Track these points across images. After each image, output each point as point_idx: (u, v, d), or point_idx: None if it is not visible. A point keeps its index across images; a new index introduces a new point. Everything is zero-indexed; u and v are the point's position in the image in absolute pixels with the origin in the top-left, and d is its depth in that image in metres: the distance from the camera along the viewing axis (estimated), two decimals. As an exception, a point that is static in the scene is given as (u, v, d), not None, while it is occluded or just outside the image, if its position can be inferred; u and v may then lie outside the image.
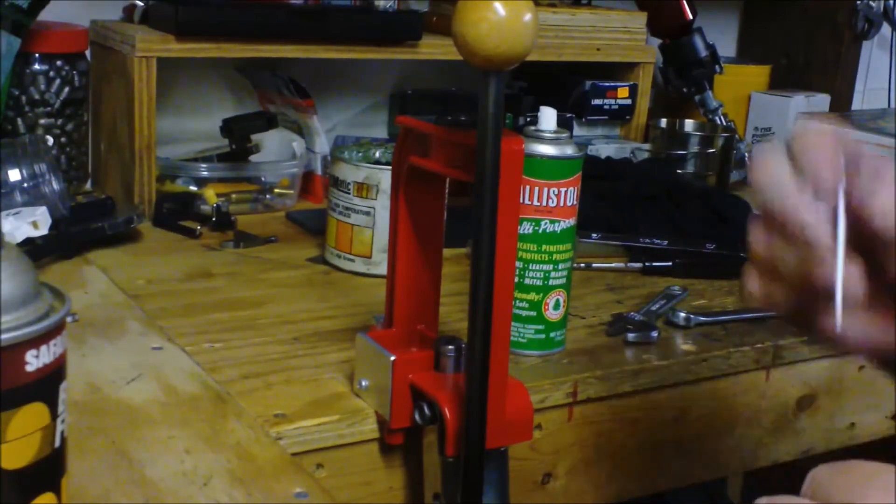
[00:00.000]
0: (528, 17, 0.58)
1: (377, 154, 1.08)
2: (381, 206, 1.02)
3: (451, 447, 0.69)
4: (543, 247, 0.85)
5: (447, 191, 0.74)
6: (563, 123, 1.45)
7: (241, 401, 0.75)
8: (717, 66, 1.54)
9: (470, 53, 0.59)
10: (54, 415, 0.49)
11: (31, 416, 0.47)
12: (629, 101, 1.51)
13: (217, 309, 0.94)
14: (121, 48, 1.18)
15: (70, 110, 1.20)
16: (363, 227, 1.04)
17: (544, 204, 0.84)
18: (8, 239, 0.69)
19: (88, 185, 1.28)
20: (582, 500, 0.88)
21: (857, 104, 1.75)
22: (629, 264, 1.13)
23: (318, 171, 1.31)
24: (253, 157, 1.26)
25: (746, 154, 1.54)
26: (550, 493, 0.86)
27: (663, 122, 1.52)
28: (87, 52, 1.23)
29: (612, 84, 1.50)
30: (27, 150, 1.06)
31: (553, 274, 0.86)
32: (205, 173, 1.23)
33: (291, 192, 1.27)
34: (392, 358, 0.72)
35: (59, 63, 1.19)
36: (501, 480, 0.72)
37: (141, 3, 1.22)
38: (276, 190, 1.27)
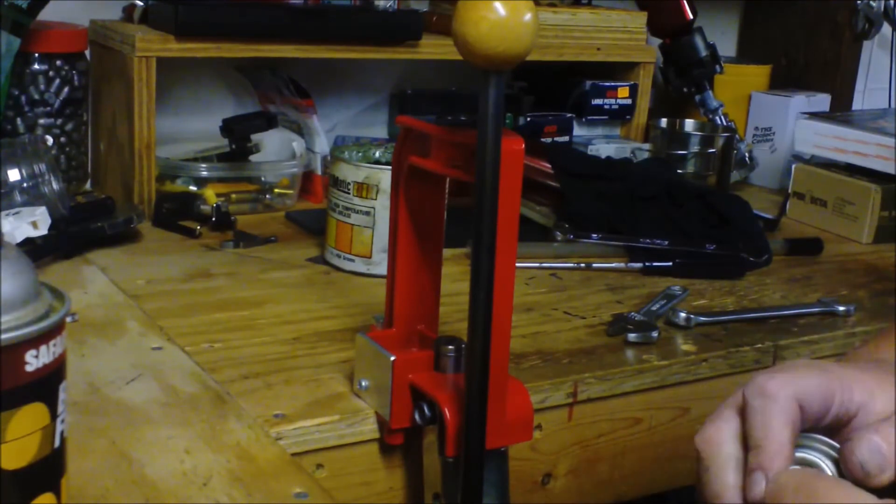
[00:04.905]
0: (528, 16, 0.58)
1: (377, 154, 1.08)
2: (381, 206, 1.02)
3: (451, 447, 0.69)
4: None
5: (447, 191, 0.74)
6: (563, 123, 1.48)
7: (241, 401, 0.75)
8: (717, 66, 1.54)
9: (470, 53, 0.59)
10: (54, 415, 0.49)
11: (31, 416, 0.47)
12: (629, 101, 1.51)
13: (217, 309, 0.94)
14: (121, 48, 1.18)
15: (70, 110, 1.20)
16: (363, 227, 1.04)
17: None
18: (8, 239, 0.69)
19: (88, 185, 1.28)
20: (582, 500, 0.88)
21: (857, 104, 1.74)
22: (629, 264, 1.13)
23: (318, 171, 1.31)
24: (253, 157, 1.26)
25: (746, 154, 1.54)
26: (550, 493, 0.86)
27: (663, 122, 1.52)
28: (87, 52, 1.23)
29: (613, 84, 1.50)
30: (27, 150, 1.06)
31: None
32: (205, 173, 1.23)
33: (291, 192, 1.27)
34: (392, 358, 0.72)
35: (58, 63, 1.19)
36: (501, 480, 0.72)
37: (141, 3, 1.22)
38: (276, 190, 1.27)
